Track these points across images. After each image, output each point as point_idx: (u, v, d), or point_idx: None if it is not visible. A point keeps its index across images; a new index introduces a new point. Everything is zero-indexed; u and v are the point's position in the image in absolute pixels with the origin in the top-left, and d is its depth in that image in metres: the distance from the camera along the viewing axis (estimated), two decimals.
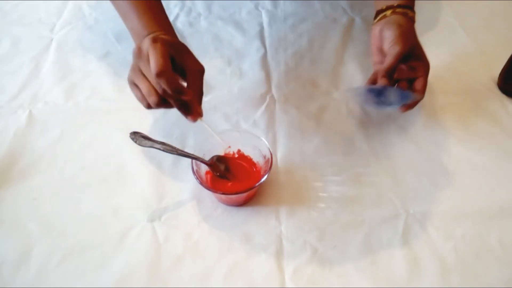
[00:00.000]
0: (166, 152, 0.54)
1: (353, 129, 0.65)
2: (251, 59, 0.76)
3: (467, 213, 0.55)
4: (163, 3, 0.60)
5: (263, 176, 0.53)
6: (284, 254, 0.52)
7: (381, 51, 0.63)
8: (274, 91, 0.71)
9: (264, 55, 0.76)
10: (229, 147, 0.58)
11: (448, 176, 0.59)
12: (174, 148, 0.54)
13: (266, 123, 0.66)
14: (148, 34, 0.54)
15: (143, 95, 0.50)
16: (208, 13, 0.85)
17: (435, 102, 0.68)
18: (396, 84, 0.61)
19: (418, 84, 0.60)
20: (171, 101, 0.50)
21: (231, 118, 0.67)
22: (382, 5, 0.64)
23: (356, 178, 0.59)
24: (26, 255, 0.52)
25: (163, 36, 0.52)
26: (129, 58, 0.51)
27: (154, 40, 0.48)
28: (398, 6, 0.62)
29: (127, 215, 0.55)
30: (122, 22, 0.60)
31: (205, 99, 0.54)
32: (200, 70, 0.52)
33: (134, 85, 0.52)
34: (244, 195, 0.53)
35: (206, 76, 0.53)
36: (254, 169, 0.57)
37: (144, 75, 0.50)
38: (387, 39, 0.60)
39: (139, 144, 0.54)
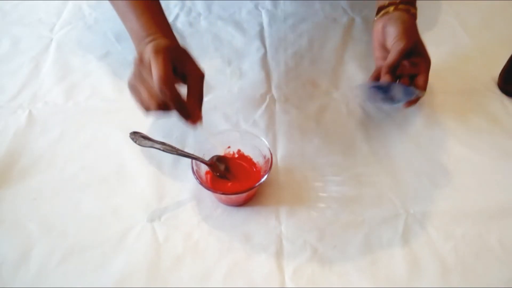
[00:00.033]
0: (166, 152, 0.54)
1: (353, 129, 0.65)
2: (251, 59, 0.76)
3: (467, 213, 0.55)
4: (163, 3, 0.60)
5: (263, 176, 0.53)
6: (284, 254, 0.52)
7: (383, 47, 0.63)
8: (274, 91, 0.71)
9: (264, 55, 0.76)
10: (229, 147, 0.58)
11: (448, 176, 0.59)
12: (174, 148, 0.54)
13: (266, 123, 0.66)
14: (147, 36, 0.54)
15: (143, 100, 0.50)
16: (208, 13, 0.85)
17: (435, 102, 0.68)
18: (398, 80, 0.61)
19: (420, 80, 0.60)
20: (171, 107, 0.50)
21: (231, 118, 0.66)
22: (384, 1, 0.64)
23: (356, 178, 0.59)
24: (26, 255, 0.52)
25: (163, 42, 0.52)
26: (129, 58, 0.52)
27: (156, 50, 0.48)
28: (401, 2, 0.63)
29: (127, 215, 0.55)
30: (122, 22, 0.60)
31: (205, 99, 0.54)
32: (201, 75, 0.53)
33: (134, 90, 0.52)
34: (244, 195, 0.53)
35: (206, 76, 0.53)
36: (254, 169, 0.57)
37: (145, 81, 0.50)
38: (391, 35, 0.60)
39: (139, 144, 0.55)
